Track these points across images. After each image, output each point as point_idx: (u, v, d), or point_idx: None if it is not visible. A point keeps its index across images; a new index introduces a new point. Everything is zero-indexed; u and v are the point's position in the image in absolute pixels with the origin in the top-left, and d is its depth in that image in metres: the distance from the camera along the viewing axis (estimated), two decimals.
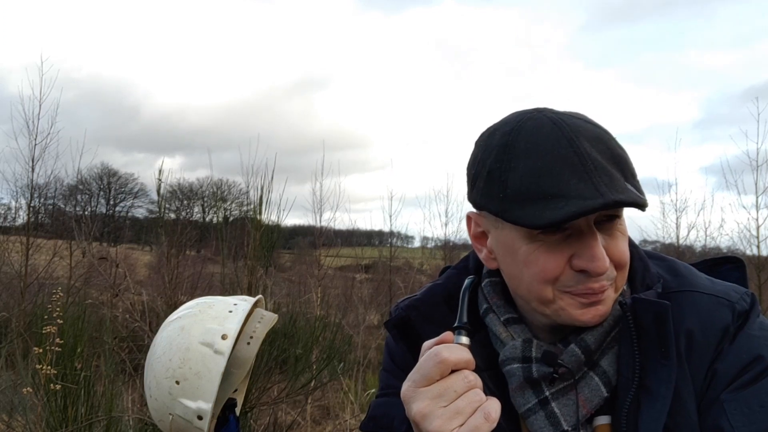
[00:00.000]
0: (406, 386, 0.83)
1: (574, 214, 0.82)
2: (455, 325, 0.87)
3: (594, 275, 0.87)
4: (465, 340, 0.86)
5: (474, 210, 0.99)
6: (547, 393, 0.93)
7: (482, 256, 1.01)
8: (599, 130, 0.91)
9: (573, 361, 0.92)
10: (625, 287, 0.96)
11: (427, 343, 0.86)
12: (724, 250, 9.90)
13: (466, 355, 0.82)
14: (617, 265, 0.91)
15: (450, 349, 0.82)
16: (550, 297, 0.91)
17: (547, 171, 0.85)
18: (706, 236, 10.07)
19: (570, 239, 0.88)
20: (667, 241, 10.53)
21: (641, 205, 0.85)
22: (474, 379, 0.81)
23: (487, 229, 0.98)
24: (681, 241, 10.31)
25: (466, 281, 0.95)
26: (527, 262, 0.90)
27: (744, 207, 8.79)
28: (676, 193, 10.43)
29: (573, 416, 0.92)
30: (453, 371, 0.81)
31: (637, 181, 0.90)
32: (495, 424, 0.78)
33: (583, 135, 0.88)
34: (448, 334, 0.85)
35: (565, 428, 0.92)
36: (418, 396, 0.81)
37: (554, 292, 0.90)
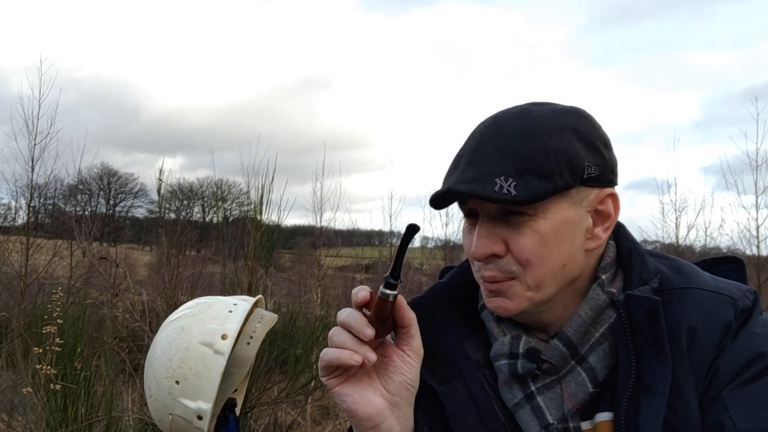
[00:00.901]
0: None
1: (430, 199, 0.93)
2: (386, 274, 0.91)
3: (473, 259, 0.96)
4: (381, 290, 0.89)
5: None
6: (533, 388, 0.95)
7: None
8: (525, 128, 0.92)
9: (556, 355, 0.93)
10: (603, 279, 0.97)
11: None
12: (724, 250, 9.91)
13: (354, 297, 0.91)
14: (519, 261, 0.92)
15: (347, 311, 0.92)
16: (477, 278, 0.99)
17: (454, 160, 0.97)
18: (706, 236, 10.09)
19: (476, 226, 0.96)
20: (667, 241, 10.54)
21: (487, 198, 0.89)
22: (341, 313, 0.91)
23: None
24: (681, 241, 10.32)
25: (407, 227, 0.94)
26: (463, 243, 1.01)
27: (744, 207, 8.81)
28: (676, 194, 10.45)
29: (558, 410, 0.93)
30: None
31: (540, 179, 0.89)
32: (343, 358, 0.88)
33: (498, 129, 0.94)
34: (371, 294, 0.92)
35: (551, 421, 0.93)
36: None
37: (476, 275, 0.99)
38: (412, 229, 0.86)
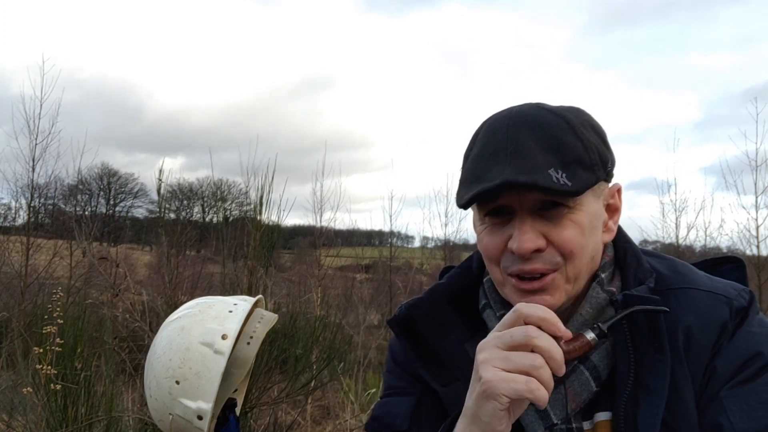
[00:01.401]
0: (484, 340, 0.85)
1: (474, 195, 0.89)
2: (595, 324, 0.88)
3: (517, 255, 0.91)
4: (590, 335, 0.86)
5: None
6: None
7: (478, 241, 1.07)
8: (557, 120, 0.93)
9: None
10: (603, 278, 0.97)
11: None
12: (724, 250, 9.91)
13: (540, 312, 0.82)
14: (562, 253, 0.92)
15: (531, 306, 0.83)
16: (501, 279, 0.97)
17: (481, 156, 0.93)
18: (706, 236, 10.09)
19: (511, 223, 0.93)
20: (667, 241, 10.54)
21: (546, 189, 0.87)
22: (536, 334, 0.80)
23: (474, 217, 1.04)
24: (681, 241, 10.32)
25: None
26: (479, 243, 0.99)
27: (744, 207, 8.80)
28: (676, 194, 10.45)
29: (562, 410, 0.93)
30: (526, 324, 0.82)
31: (586, 169, 0.90)
32: (538, 396, 0.78)
33: (527, 123, 0.93)
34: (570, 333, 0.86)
35: (555, 421, 0.93)
36: (486, 345, 0.83)
37: (502, 274, 0.96)
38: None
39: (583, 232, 0.92)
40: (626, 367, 0.91)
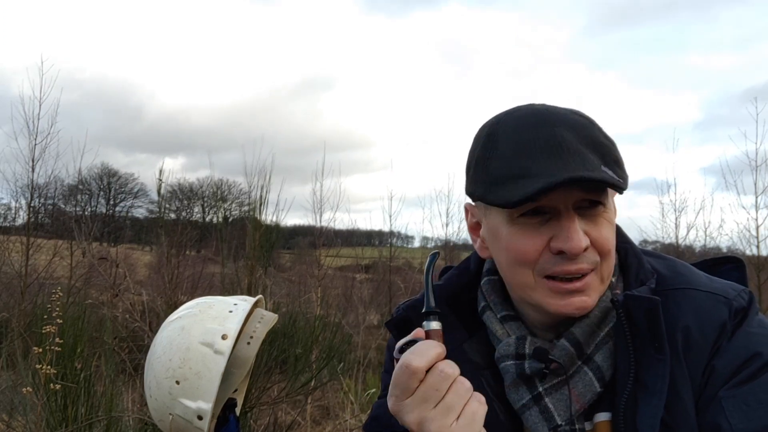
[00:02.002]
0: (391, 402, 0.83)
1: (539, 189, 0.85)
2: (423, 310, 0.87)
3: (570, 255, 0.89)
4: (435, 324, 0.85)
5: (470, 201, 1.02)
6: (540, 389, 0.94)
7: (477, 246, 1.03)
8: (584, 120, 0.93)
9: (564, 355, 0.93)
10: (613, 281, 0.97)
11: (398, 346, 0.86)
12: (724, 250, 9.91)
13: (434, 351, 0.81)
14: (600, 252, 0.91)
15: (418, 353, 0.81)
16: (532, 282, 0.93)
17: (523, 153, 0.89)
18: (706, 236, 10.09)
19: (550, 222, 0.90)
20: (667, 241, 10.54)
21: (612, 185, 0.87)
22: (451, 370, 0.80)
23: (480, 218, 1.01)
24: (681, 241, 10.32)
25: (428, 258, 0.94)
26: (509, 246, 0.93)
27: (743, 207, 8.80)
28: (675, 194, 10.45)
29: (566, 411, 0.93)
30: (428, 372, 0.80)
31: (621, 169, 0.91)
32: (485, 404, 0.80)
33: (563, 122, 0.91)
34: (419, 331, 0.86)
35: (559, 423, 0.93)
36: (405, 408, 0.81)
37: (535, 277, 0.92)
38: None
39: (613, 230, 0.94)
40: (626, 367, 0.91)
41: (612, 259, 0.94)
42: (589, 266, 0.91)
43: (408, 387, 0.80)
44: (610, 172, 0.88)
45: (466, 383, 0.80)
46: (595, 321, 0.94)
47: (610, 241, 0.93)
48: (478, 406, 0.80)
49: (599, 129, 0.94)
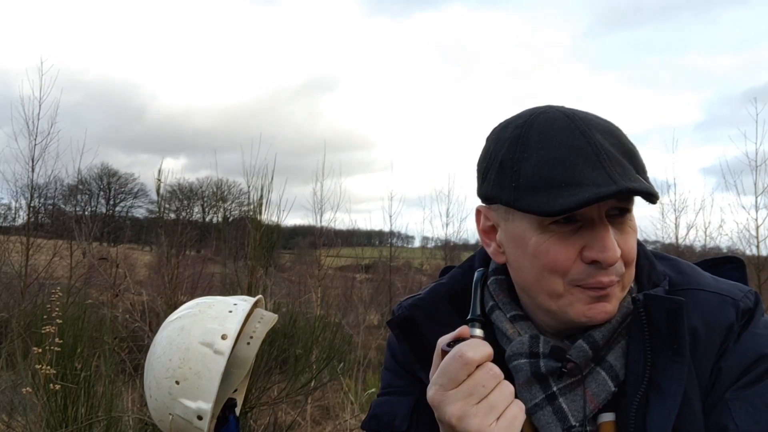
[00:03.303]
0: (433, 390, 0.81)
1: (588, 199, 0.82)
2: (469, 317, 0.86)
3: (605, 266, 0.87)
4: (479, 332, 0.86)
5: (483, 204, 0.99)
6: (555, 388, 0.93)
7: (490, 250, 1.00)
8: (610, 125, 0.92)
9: (581, 356, 0.92)
10: (632, 285, 0.96)
11: (442, 340, 0.85)
12: (724, 250, 9.92)
13: (487, 350, 0.81)
14: (626, 261, 0.90)
15: (472, 346, 0.80)
16: (561, 291, 0.90)
17: (560, 160, 0.86)
18: (706, 236, 10.10)
19: (581, 231, 0.88)
20: (667, 241, 10.54)
21: (654, 195, 0.86)
22: (499, 371, 0.80)
23: (497, 222, 0.97)
24: (681, 241, 10.33)
25: (477, 273, 0.95)
26: (538, 253, 0.90)
27: (743, 207, 8.81)
28: (675, 194, 10.46)
29: (580, 411, 0.92)
30: (477, 367, 0.80)
31: (647, 176, 0.90)
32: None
33: (595, 127, 0.89)
34: (464, 329, 0.84)
35: (573, 423, 0.91)
36: (448, 399, 0.79)
37: (564, 286, 0.90)
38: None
39: (635, 239, 0.93)
40: (640, 368, 0.90)
41: (633, 268, 0.93)
42: (618, 277, 0.90)
43: (457, 377, 0.79)
44: (644, 181, 0.86)
45: (510, 387, 0.80)
46: (615, 326, 0.93)
47: (635, 250, 0.92)
48: (519, 411, 0.79)
49: (624, 134, 0.93)
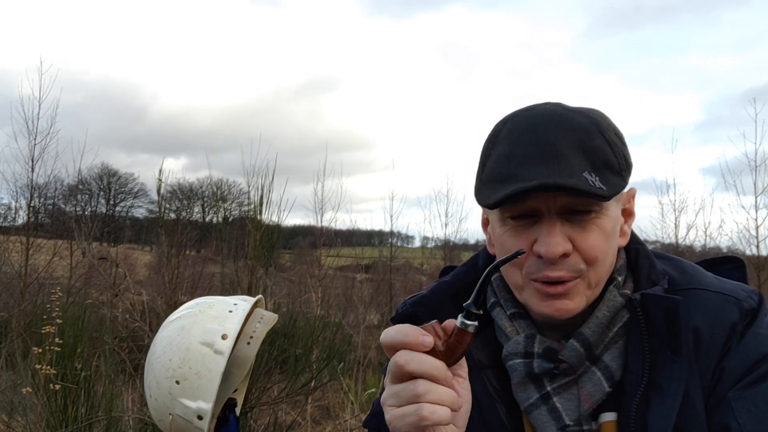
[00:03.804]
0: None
1: (509, 194, 0.86)
2: (464, 303, 0.80)
3: (546, 260, 0.89)
4: (462, 321, 0.78)
5: None
6: (549, 388, 0.93)
7: (487, 241, 1.06)
8: (587, 122, 0.92)
9: (573, 356, 0.92)
10: (619, 280, 0.96)
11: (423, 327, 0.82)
12: (724, 250, 9.92)
13: (399, 337, 0.76)
14: (586, 259, 0.90)
15: (387, 332, 0.79)
16: (521, 283, 0.94)
17: (513, 155, 0.91)
18: (706, 236, 10.11)
19: (535, 226, 0.91)
20: (667, 241, 10.54)
21: (584, 192, 0.85)
22: (406, 360, 0.75)
23: (487, 214, 1.03)
24: (681, 241, 10.33)
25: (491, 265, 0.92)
26: (500, 245, 0.95)
27: (743, 207, 8.81)
28: (674, 194, 10.46)
29: (575, 411, 0.92)
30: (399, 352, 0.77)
31: (616, 174, 0.90)
32: (437, 418, 0.74)
33: (563, 125, 0.91)
34: (449, 322, 0.80)
35: (567, 422, 0.92)
36: (386, 384, 0.80)
37: (522, 279, 0.93)
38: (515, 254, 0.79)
39: (607, 237, 0.92)
40: (639, 368, 0.90)
41: (602, 267, 0.92)
42: (571, 274, 0.90)
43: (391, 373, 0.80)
44: (593, 179, 0.86)
45: (419, 386, 0.75)
46: (605, 321, 0.93)
47: (599, 248, 0.90)
48: (412, 417, 0.75)
49: (604, 130, 0.92)
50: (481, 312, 0.79)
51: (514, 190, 0.86)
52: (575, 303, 0.91)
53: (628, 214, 1.00)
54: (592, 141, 0.90)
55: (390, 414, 0.77)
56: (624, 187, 0.92)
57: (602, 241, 0.91)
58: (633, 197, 1.00)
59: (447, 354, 0.77)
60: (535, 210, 0.90)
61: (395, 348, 0.77)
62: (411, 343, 0.76)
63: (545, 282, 0.91)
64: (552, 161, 0.87)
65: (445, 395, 0.75)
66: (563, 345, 0.94)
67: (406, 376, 0.76)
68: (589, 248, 0.90)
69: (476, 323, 0.78)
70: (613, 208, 0.93)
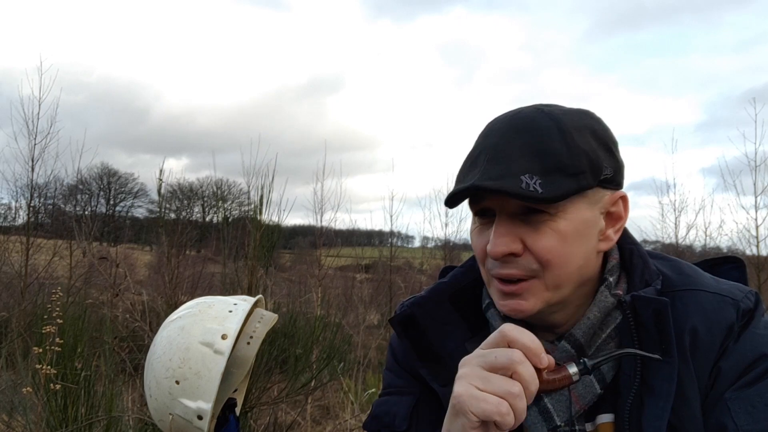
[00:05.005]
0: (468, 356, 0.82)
1: (451, 194, 0.91)
2: (588, 360, 0.83)
3: (492, 258, 0.93)
4: (573, 369, 0.82)
5: None
6: None
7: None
8: (551, 124, 0.91)
9: (564, 357, 0.93)
10: (611, 281, 0.97)
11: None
12: (724, 250, 9.92)
13: (527, 340, 0.78)
14: (539, 260, 0.90)
15: (517, 329, 0.80)
16: (487, 279, 0.97)
17: (470, 157, 0.95)
18: (706, 236, 10.10)
19: (493, 224, 0.93)
20: (667, 241, 10.54)
21: (516, 195, 0.86)
22: (521, 361, 0.77)
23: None
24: (681, 241, 10.33)
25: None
26: (471, 242, 0.99)
27: (743, 207, 8.81)
28: (675, 194, 10.46)
29: (566, 412, 0.93)
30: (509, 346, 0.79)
31: (566, 177, 0.88)
32: (505, 421, 0.75)
33: (517, 127, 0.92)
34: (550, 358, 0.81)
35: (558, 423, 0.93)
36: (468, 361, 0.80)
37: (487, 275, 0.97)
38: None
39: (564, 240, 0.90)
40: (632, 369, 0.91)
41: (561, 269, 0.91)
42: (521, 273, 0.91)
43: (489, 341, 0.82)
44: (531, 181, 0.86)
45: (516, 386, 0.77)
46: (596, 322, 0.94)
47: (551, 250, 0.90)
48: (494, 410, 0.76)
49: (562, 134, 0.90)
50: (592, 369, 0.82)
51: (450, 193, 0.91)
52: (530, 303, 0.92)
53: (615, 218, 0.97)
54: (546, 144, 0.89)
55: (466, 390, 0.77)
56: (576, 191, 0.89)
57: (556, 243, 0.90)
58: (620, 201, 0.97)
59: (543, 382, 0.80)
60: (491, 210, 0.93)
61: (514, 345, 0.78)
62: (532, 351, 0.78)
63: (502, 280, 0.93)
64: (488, 164, 0.90)
65: (522, 409, 0.76)
66: (555, 346, 0.94)
67: (507, 373, 0.77)
68: (540, 250, 0.90)
69: (579, 373, 0.82)
70: (580, 211, 0.91)
